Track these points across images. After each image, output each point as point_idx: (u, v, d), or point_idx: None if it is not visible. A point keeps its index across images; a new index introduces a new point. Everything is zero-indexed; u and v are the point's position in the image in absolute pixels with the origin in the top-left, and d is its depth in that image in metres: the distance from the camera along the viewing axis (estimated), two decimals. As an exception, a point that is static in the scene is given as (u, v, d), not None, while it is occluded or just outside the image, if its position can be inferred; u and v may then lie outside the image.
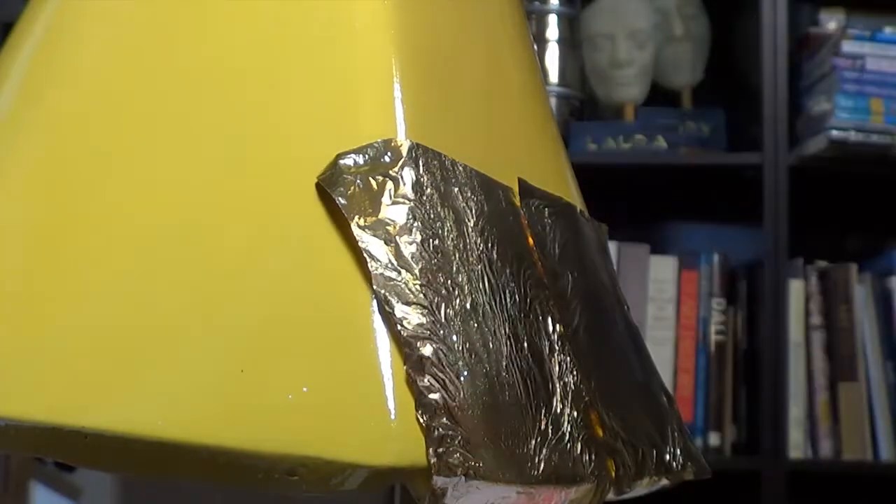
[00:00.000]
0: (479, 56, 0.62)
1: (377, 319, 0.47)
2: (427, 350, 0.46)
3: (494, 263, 0.53)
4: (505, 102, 0.63)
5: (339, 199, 0.48)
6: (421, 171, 0.51)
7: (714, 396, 1.72)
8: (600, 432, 0.55)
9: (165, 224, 0.51)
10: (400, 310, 0.47)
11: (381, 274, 0.47)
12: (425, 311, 0.47)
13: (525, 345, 0.52)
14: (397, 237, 0.48)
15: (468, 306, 0.49)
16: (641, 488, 0.58)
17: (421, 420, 0.44)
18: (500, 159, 0.59)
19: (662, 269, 1.77)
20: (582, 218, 0.66)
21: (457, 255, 0.50)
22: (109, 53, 0.56)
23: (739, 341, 1.74)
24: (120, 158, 0.53)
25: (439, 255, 0.49)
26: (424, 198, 0.50)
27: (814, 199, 1.77)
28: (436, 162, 0.52)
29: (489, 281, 0.52)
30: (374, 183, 0.49)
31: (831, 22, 1.87)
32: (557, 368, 0.54)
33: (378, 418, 0.45)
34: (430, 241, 0.49)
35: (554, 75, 1.88)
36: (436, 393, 0.45)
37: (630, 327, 0.67)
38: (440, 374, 0.46)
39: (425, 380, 0.45)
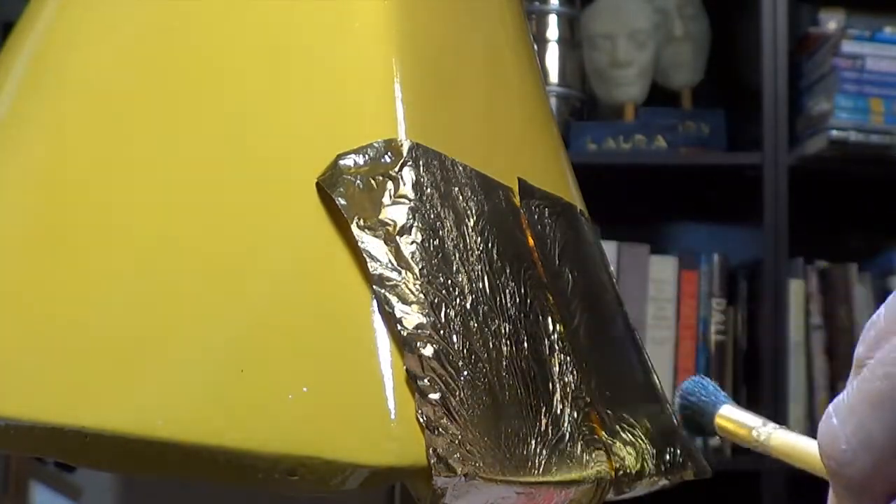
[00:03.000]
0: (479, 56, 0.62)
1: (377, 319, 0.47)
2: (427, 350, 0.46)
3: (494, 263, 0.53)
4: (505, 102, 0.63)
5: (339, 199, 0.48)
6: (421, 171, 0.51)
7: (714, 396, 1.72)
8: (600, 432, 0.55)
9: (165, 224, 0.51)
10: (400, 310, 0.47)
11: (381, 274, 0.47)
12: (425, 311, 0.47)
13: (525, 345, 0.52)
14: (397, 237, 0.48)
15: (468, 306, 0.49)
16: (641, 488, 0.58)
17: (421, 420, 0.44)
18: (500, 159, 0.59)
19: (662, 269, 1.77)
20: (582, 218, 0.66)
21: (457, 255, 0.50)
22: (109, 54, 0.56)
23: (739, 341, 1.74)
24: (120, 158, 0.53)
25: (439, 255, 0.49)
26: (424, 198, 0.50)
27: (814, 199, 1.77)
28: (436, 162, 0.52)
29: (489, 281, 0.52)
30: (374, 183, 0.49)
31: (831, 22, 1.87)
32: (557, 368, 0.54)
33: (378, 418, 0.45)
34: (430, 241, 0.49)
35: (554, 75, 1.89)
36: (436, 393, 0.45)
37: (629, 327, 0.67)
38: (440, 374, 0.46)
39: (425, 380, 0.45)
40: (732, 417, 0.60)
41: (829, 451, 0.33)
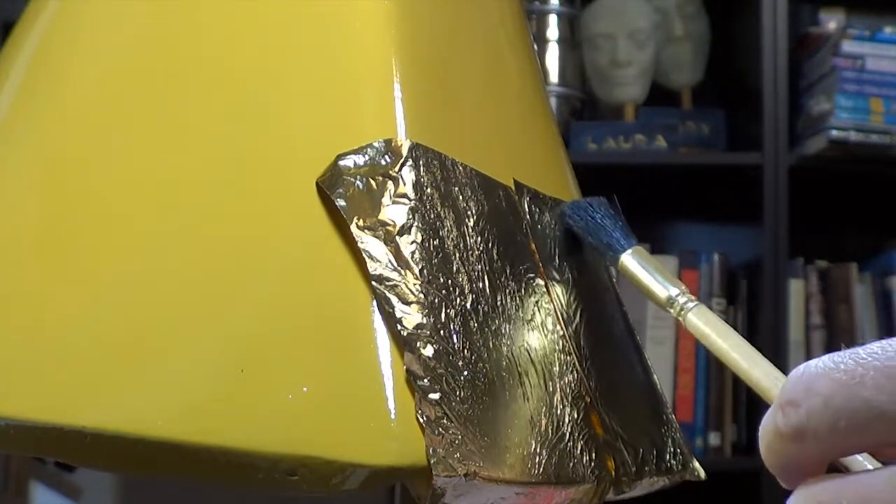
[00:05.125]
0: (479, 56, 0.62)
1: (377, 319, 0.47)
2: (427, 350, 0.46)
3: (494, 263, 0.53)
4: (505, 102, 0.63)
5: (339, 200, 0.48)
6: (421, 171, 0.51)
7: (714, 396, 1.72)
8: (600, 432, 0.55)
9: (165, 224, 0.51)
10: (400, 310, 0.47)
11: (381, 274, 0.47)
12: (425, 311, 0.47)
13: (525, 345, 0.52)
14: (397, 237, 0.48)
15: (468, 306, 0.49)
16: (641, 488, 0.58)
17: (421, 420, 0.44)
18: (500, 159, 0.59)
19: (662, 269, 1.77)
20: (582, 218, 0.66)
21: (457, 255, 0.50)
22: (109, 53, 0.56)
23: (739, 341, 1.74)
24: (120, 158, 0.53)
25: (439, 255, 0.49)
26: (424, 198, 0.50)
27: (814, 199, 1.77)
28: (436, 162, 0.52)
29: (489, 281, 0.52)
30: (373, 183, 0.49)
31: (831, 22, 1.87)
32: (557, 368, 0.54)
33: (378, 418, 0.45)
34: (430, 241, 0.49)
35: (554, 75, 1.89)
36: (436, 393, 0.45)
37: (629, 327, 0.67)
38: (440, 374, 0.46)
39: (425, 380, 0.45)
40: (645, 269, 0.56)
41: (795, 381, 0.30)
